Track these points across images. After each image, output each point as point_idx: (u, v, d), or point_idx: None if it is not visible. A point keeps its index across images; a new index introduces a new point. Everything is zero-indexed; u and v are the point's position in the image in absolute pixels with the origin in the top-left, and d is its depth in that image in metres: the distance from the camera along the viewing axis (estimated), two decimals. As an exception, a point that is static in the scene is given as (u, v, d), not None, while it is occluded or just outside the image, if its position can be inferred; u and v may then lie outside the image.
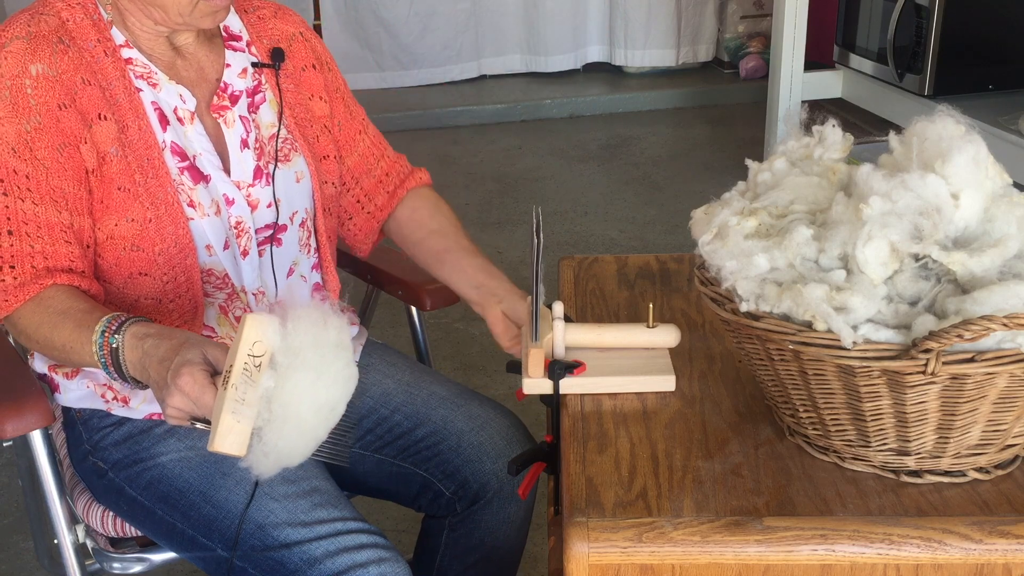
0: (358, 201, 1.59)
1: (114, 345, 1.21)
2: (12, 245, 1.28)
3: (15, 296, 1.27)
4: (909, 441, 1.05)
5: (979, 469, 1.07)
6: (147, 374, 1.18)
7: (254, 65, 1.45)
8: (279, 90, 1.46)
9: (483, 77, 5.64)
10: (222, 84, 1.42)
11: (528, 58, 5.65)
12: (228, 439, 1.08)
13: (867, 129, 4.07)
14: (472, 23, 5.50)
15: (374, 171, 1.59)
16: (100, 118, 1.31)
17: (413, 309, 1.74)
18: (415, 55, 5.48)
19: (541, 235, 1.24)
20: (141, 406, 1.40)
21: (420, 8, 5.40)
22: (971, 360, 0.95)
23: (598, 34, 5.67)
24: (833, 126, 1.18)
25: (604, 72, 5.69)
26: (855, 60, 4.12)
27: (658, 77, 5.63)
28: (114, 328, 1.21)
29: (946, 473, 1.06)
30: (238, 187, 1.40)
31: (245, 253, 1.41)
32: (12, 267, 1.28)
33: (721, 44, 5.71)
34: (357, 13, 5.37)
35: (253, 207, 1.41)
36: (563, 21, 5.57)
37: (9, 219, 1.28)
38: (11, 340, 1.51)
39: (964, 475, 1.06)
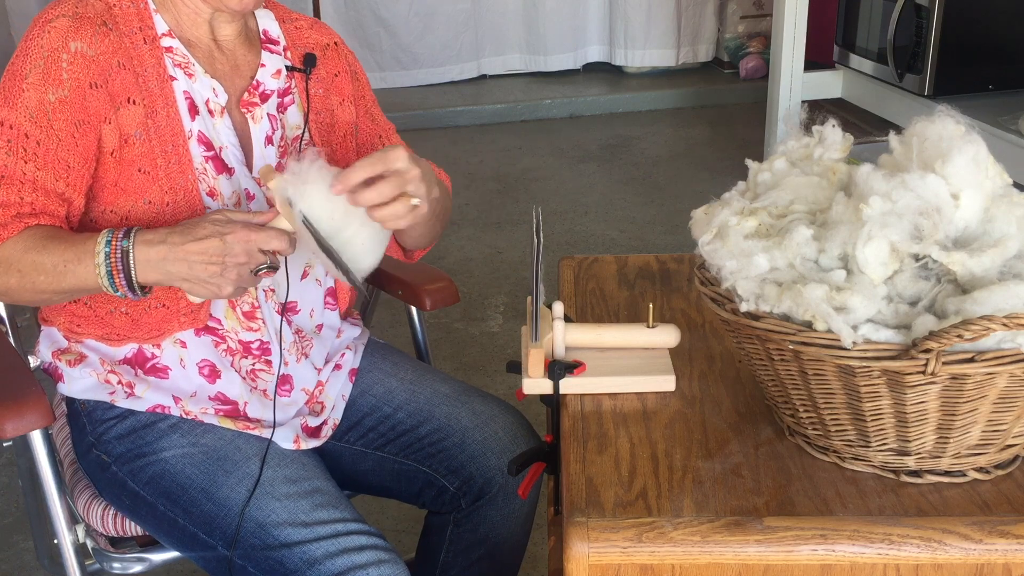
0: None
1: (126, 247, 1.23)
2: (2, 196, 1.28)
3: None
4: (909, 441, 1.05)
5: (979, 469, 1.07)
6: (179, 266, 1.23)
7: (288, 69, 1.48)
8: (307, 95, 1.48)
9: (483, 77, 5.64)
10: (255, 82, 1.45)
11: (528, 58, 5.66)
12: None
13: (867, 129, 4.07)
14: (472, 23, 5.51)
15: None
16: (129, 102, 1.34)
17: (413, 309, 1.74)
18: (415, 55, 5.49)
19: (541, 235, 1.24)
20: (147, 393, 1.40)
21: (420, 8, 5.40)
22: (971, 360, 0.95)
23: (598, 34, 5.68)
24: (833, 126, 1.18)
25: (604, 72, 5.69)
26: (855, 60, 4.12)
27: (658, 77, 5.64)
28: (121, 235, 1.25)
29: (946, 473, 1.06)
30: (259, 183, 1.41)
31: None
32: None
33: (721, 44, 5.72)
34: (357, 13, 5.37)
35: (271, 204, 1.41)
36: (563, 21, 5.57)
37: (4, 177, 1.28)
38: (11, 340, 1.51)
39: (964, 475, 1.06)
